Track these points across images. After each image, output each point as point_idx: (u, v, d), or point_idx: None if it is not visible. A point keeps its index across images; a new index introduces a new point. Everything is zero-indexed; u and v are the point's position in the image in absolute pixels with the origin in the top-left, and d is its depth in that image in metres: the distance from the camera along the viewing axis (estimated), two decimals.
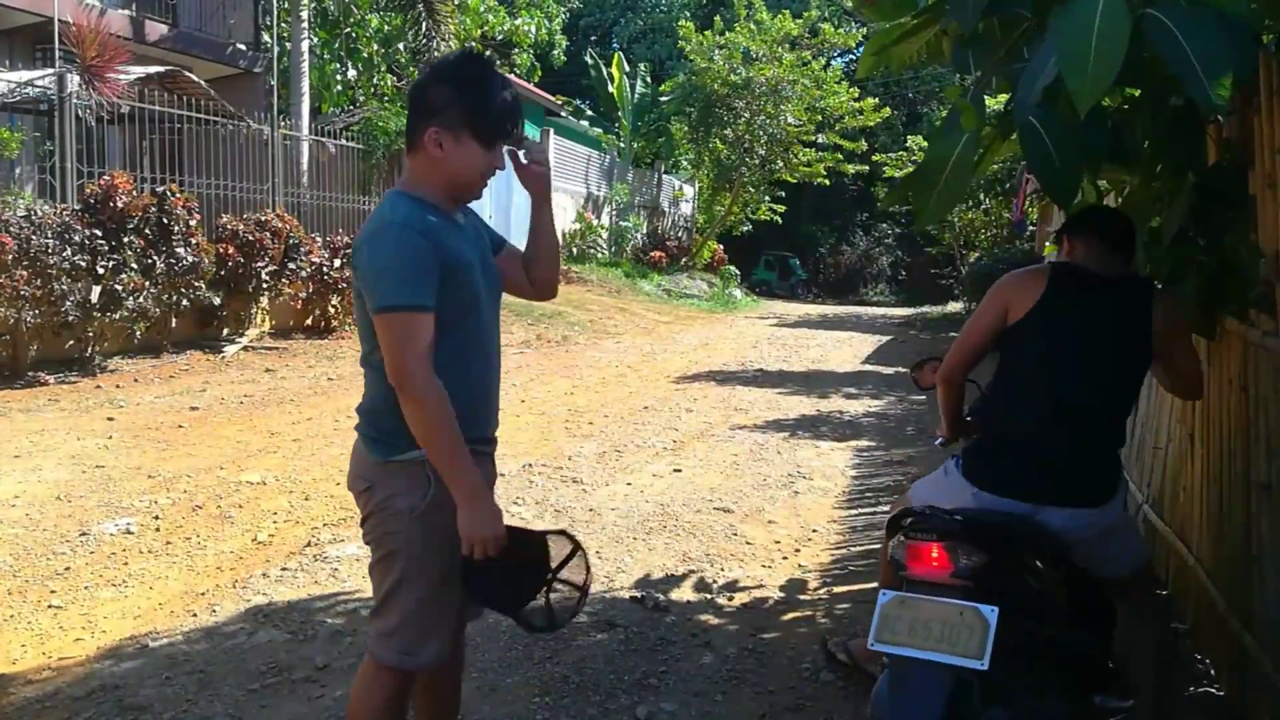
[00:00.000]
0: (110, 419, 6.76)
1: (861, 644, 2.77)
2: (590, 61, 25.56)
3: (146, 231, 8.67)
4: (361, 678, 2.13)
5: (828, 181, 24.80)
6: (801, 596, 3.93)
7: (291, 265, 10.56)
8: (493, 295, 2.11)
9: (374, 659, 2.09)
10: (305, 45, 14.16)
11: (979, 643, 1.95)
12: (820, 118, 22.52)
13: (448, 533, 1.95)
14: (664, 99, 23.95)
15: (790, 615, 3.72)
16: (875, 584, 2.99)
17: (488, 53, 17.27)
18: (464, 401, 1.98)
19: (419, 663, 2.09)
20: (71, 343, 8.31)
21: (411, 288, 1.88)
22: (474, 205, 2.15)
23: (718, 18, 23.26)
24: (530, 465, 5.87)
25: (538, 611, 2.08)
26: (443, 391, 1.89)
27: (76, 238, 7.94)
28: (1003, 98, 2.67)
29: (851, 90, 22.40)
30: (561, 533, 2.13)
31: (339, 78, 16.33)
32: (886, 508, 4.74)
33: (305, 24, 14.14)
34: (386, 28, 16.27)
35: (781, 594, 3.93)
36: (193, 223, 9.16)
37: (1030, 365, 2.35)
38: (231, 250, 9.82)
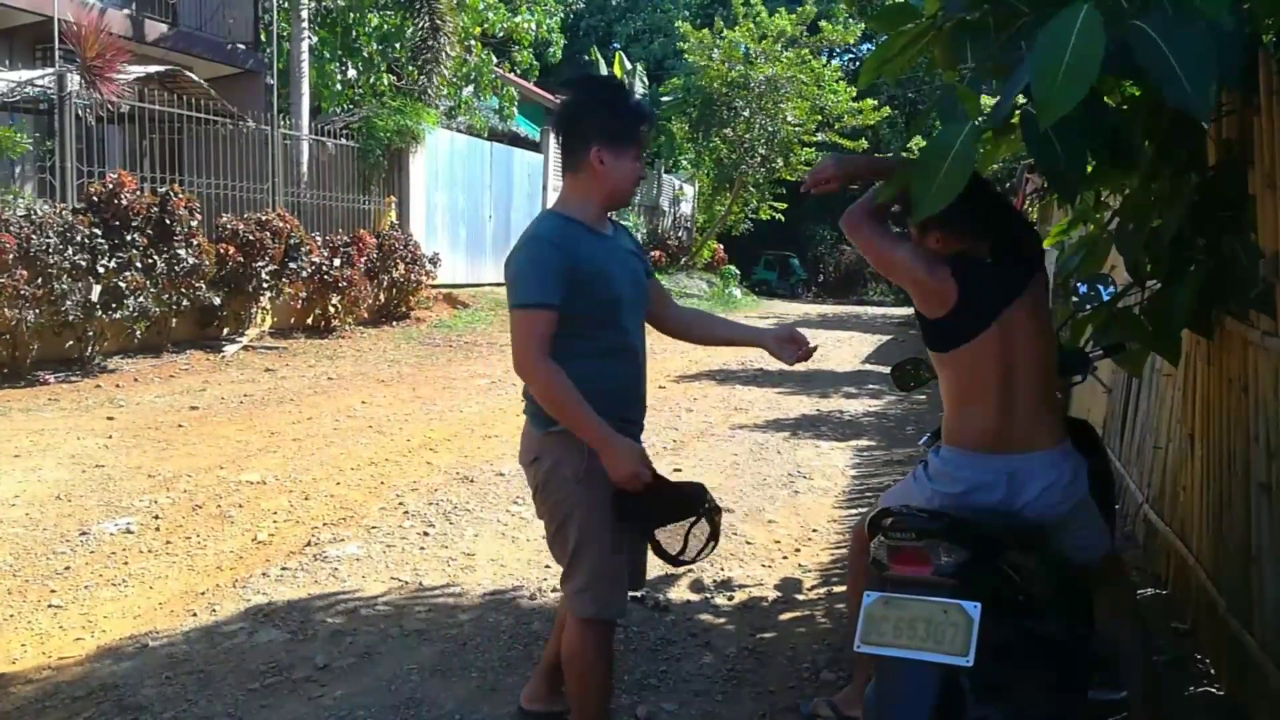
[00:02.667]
0: (110, 419, 6.76)
1: (844, 694, 2.78)
2: (591, 61, 25.53)
3: (148, 231, 8.68)
4: (569, 636, 2.38)
5: None
6: (801, 596, 3.93)
7: (292, 265, 10.56)
8: (637, 300, 2.43)
9: (576, 617, 2.35)
10: (305, 45, 14.16)
11: (964, 640, 1.94)
12: (820, 117, 22.49)
13: (610, 495, 2.28)
14: (664, 99, 23.90)
15: (790, 615, 3.73)
16: None
17: (487, 54, 17.16)
18: (608, 387, 2.28)
19: (615, 610, 2.37)
20: (72, 342, 8.31)
21: (535, 289, 2.23)
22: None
23: (718, 18, 23.23)
24: None
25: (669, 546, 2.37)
26: (553, 366, 2.20)
27: (77, 237, 7.94)
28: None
29: (850, 90, 22.34)
30: (701, 494, 2.39)
31: (339, 77, 16.33)
32: None
33: (305, 24, 14.13)
34: (386, 26, 16.26)
35: (781, 594, 3.93)
36: (194, 223, 9.17)
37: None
38: (232, 250, 9.82)
